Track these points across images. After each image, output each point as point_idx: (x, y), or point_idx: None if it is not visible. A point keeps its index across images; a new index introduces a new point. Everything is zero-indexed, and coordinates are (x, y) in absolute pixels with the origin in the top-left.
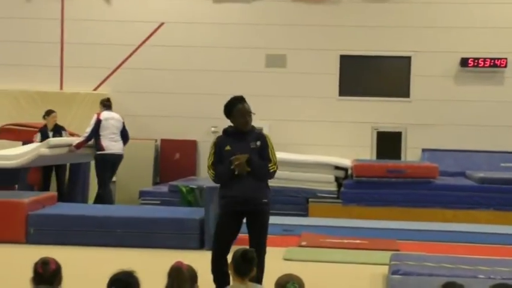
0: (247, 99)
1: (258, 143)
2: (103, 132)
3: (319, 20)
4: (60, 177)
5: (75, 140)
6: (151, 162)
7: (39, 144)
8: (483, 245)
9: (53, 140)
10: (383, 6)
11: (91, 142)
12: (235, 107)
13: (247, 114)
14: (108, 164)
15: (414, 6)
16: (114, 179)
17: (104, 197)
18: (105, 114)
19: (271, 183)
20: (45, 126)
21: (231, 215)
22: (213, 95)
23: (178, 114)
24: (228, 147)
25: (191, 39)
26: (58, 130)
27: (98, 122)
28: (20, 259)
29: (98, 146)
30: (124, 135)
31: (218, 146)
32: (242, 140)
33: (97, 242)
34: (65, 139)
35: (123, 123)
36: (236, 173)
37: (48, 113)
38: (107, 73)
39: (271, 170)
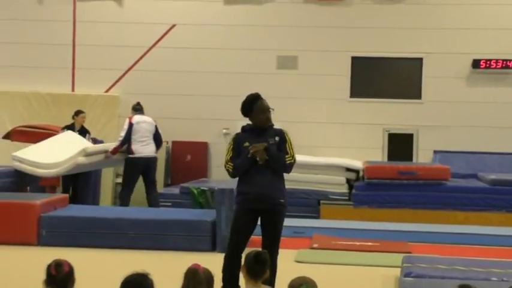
0: None
1: (277, 138)
2: (134, 136)
3: (331, 22)
4: (79, 180)
5: (111, 146)
6: (162, 164)
7: (76, 152)
8: (495, 247)
9: (89, 148)
10: (394, 7)
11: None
12: (256, 104)
13: (267, 110)
14: (138, 168)
15: (426, 7)
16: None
17: (124, 199)
18: (136, 118)
19: None
20: (73, 125)
21: (245, 213)
22: (224, 97)
23: (190, 116)
24: (246, 143)
25: (202, 41)
26: (83, 132)
27: (131, 126)
28: (31, 261)
29: (128, 149)
30: (157, 139)
31: (237, 142)
32: (261, 136)
33: (109, 244)
34: (101, 146)
35: (156, 126)
36: (254, 156)
37: (77, 113)
38: (118, 75)
39: (288, 162)
